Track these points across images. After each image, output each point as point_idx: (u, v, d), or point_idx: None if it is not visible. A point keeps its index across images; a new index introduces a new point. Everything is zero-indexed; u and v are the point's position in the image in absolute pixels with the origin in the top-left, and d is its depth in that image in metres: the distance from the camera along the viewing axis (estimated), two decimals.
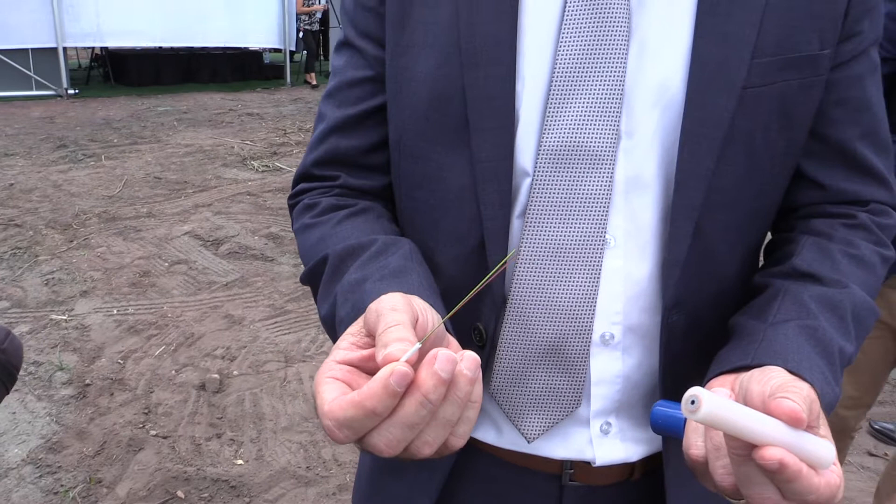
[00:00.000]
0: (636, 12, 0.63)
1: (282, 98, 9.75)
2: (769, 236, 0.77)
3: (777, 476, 0.45)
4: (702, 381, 0.70)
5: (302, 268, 0.74)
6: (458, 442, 0.49)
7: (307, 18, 10.87)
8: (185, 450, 2.47)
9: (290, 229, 4.75)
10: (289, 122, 8.09)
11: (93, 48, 9.92)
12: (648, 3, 0.63)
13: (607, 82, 0.63)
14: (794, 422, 0.45)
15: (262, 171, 6.00)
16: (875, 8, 0.68)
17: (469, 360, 0.46)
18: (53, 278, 3.74)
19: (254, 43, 10.92)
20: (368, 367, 0.50)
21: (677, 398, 0.71)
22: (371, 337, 0.51)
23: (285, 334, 3.30)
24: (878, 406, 3.01)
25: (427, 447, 0.47)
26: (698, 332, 0.70)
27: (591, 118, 0.63)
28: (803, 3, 0.64)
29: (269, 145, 6.93)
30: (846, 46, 0.67)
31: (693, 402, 0.42)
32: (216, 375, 2.90)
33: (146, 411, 2.67)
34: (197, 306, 3.53)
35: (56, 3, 8.57)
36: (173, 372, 2.94)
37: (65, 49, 8.82)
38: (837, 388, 0.58)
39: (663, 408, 0.59)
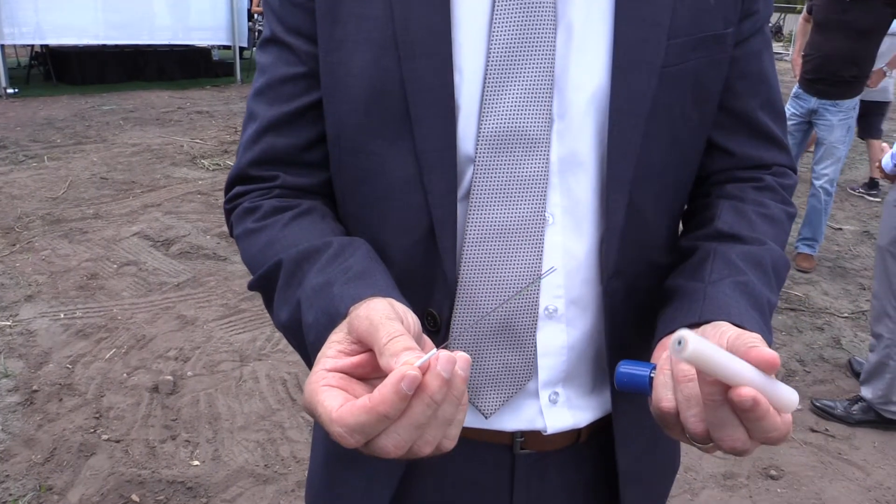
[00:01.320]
0: (561, 0, 0.66)
1: (232, 95, 9.59)
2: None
3: (749, 414, 0.49)
4: (644, 345, 0.74)
5: None
6: (449, 443, 0.52)
7: (261, 18, 10.70)
8: (139, 453, 2.43)
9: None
10: (240, 120, 7.97)
11: (32, 46, 9.59)
12: None
13: (538, 69, 0.66)
14: (769, 367, 0.50)
15: (213, 170, 5.90)
16: None
17: (463, 361, 0.49)
18: None
19: (202, 40, 10.69)
20: (360, 374, 0.52)
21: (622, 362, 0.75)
22: (359, 344, 0.53)
23: (240, 333, 3.27)
24: (819, 384, 3.14)
25: (428, 446, 0.50)
26: (636, 299, 0.75)
27: (525, 103, 0.66)
28: None
29: (220, 143, 6.82)
30: (745, 25, 0.73)
31: (680, 343, 0.46)
32: (169, 377, 2.86)
33: (97, 416, 2.61)
34: (148, 308, 3.46)
35: None
36: (125, 375, 2.88)
37: (2, 47, 8.51)
38: (770, 337, 0.64)
39: (627, 368, 0.62)
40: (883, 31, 3.95)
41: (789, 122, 4.29)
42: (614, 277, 0.71)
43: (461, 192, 0.69)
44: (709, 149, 0.77)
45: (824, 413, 2.86)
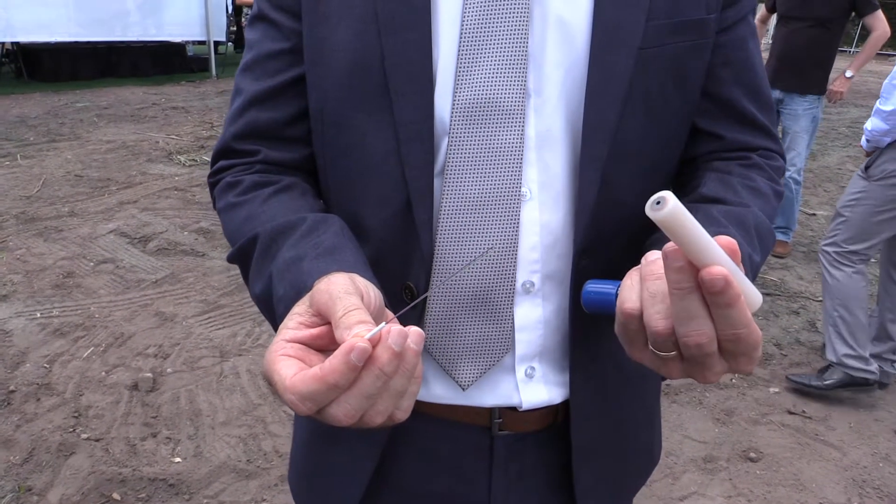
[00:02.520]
0: None
1: (208, 91, 9.49)
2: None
3: (719, 298, 0.46)
4: (610, 330, 0.74)
5: None
6: (402, 415, 0.53)
7: (249, 11, 10.58)
8: (120, 451, 2.41)
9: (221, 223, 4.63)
10: (216, 115, 7.89)
11: (2, 43, 9.42)
12: None
13: (511, 42, 0.67)
14: (731, 251, 0.48)
15: (190, 166, 5.85)
16: None
17: (415, 335, 0.50)
18: None
19: (175, 35, 10.57)
20: (317, 345, 0.54)
21: (587, 342, 0.76)
22: (318, 316, 0.54)
23: (219, 329, 3.25)
24: (796, 367, 3.18)
25: (379, 416, 0.51)
26: (609, 278, 0.74)
27: (499, 76, 0.67)
28: None
29: (196, 139, 6.75)
30: (729, 13, 0.73)
31: (658, 203, 0.43)
32: (149, 374, 2.83)
33: (76, 415, 2.59)
34: (126, 305, 3.43)
35: None
36: (103, 373, 2.85)
37: None
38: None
39: (594, 286, 0.60)
40: (842, 20, 4.03)
41: None
42: (586, 254, 0.72)
43: (438, 165, 0.70)
44: (695, 133, 0.78)
45: (800, 385, 2.90)
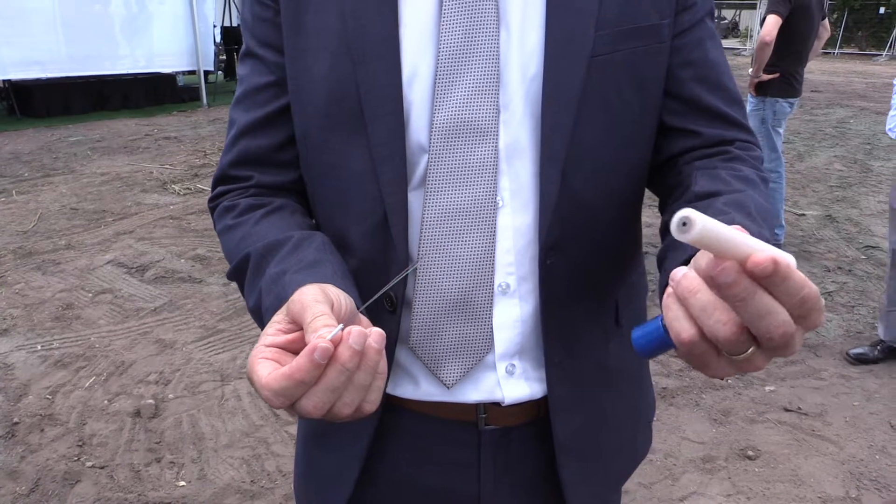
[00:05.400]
0: (503, 2, 0.72)
1: (199, 120, 9.58)
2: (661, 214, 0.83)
3: (774, 278, 0.46)
4: (587, 325, 0.79)
5: None
6: (370, 407, 0.58)
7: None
8: (125, 477, 2.43)
9: (217, 250, 4.71)
10: (208, 144, 7.97)
11: None
12: None
13: (484, 64, 0.72)
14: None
15: (184, 195, 5.90)
16: None
17: (376, 335, 0.55)
18: None
19: (165, 67, 10.68)
20: (293, 349, 0.59)
21: (559, 341, 0.80)
22: (294, 323, 0.60)
23: (219, 353, 3.28)
24: (790, 365, 3.22)
25: (347, 408, 0.57)
26: (580, 277, 0.79)
27: (474, 96, 0.72)
28: None
29: (190, 168, 6.81)
30: (683, 17, 0.77)
31: (685, 224, 0.43)
32: (151, 401, 2.86)
33: (80, 444, 2.61)
34: (126, 334, 3.46)
35: None
36: (106, 402, 2.88)
37: None
38: None
39: (639, 332, 0.58)
40: (768, 28, 4.13)
41: None
42: (552, 252, 0.76)
43: (415, 180, 0.75)
44: (669, 132, 0.81)
45: (859, 362, 3.24)
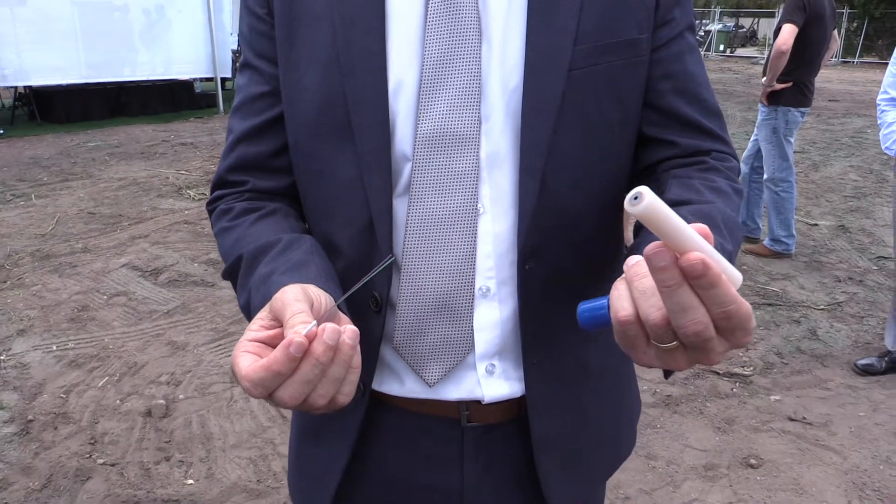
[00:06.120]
0: (483, 15, 0.76)
1: (216, 126, 9.70)
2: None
3: (702, 280, 0.48)
4: (566, 328, 0.82)
5: None
6: (343, 399, 0.62)
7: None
8: (134, 475, 2.49)
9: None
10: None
11: (16, 87, 9.68)
12: (492, 5, 0.76)
13: (466, 77, 0.75)
14: (704, 236, 0.51)
15: (199, 200, 5.98)
16: (682, 0, 0.82)
17: (350, 332, 0.59)
18: None
19: (183, 73, 10.82)
20: (274, 343, 0.63)
21: (537, 343, 0.83)
22: (276, 320, 0.64)
23: (229, 355, 3.33)
24: (797, 375, 3.22)
25: (321, 399, 0.60)
26: (559, 282, 0.82)
27: (456, 107, 0.75)
28: None
29: (205, 173, 6.91)
30: (662, 32, 0.80)
31: (636, 198, 0.46)
32: (162, 401, 2.92)
33: (92, 441, 2.67)
34: (139, 336, 3.53)
35: None
36: (118, 401, 2.94)
37: None
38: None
39: (585, 306, 0.61)
40: (785, 37, 4.13)
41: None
42: (531, 258, 0.79)
43: (399, 187, 0.79)
44: (647, 142, 0.84)
45: (866, 371, 3.24)
